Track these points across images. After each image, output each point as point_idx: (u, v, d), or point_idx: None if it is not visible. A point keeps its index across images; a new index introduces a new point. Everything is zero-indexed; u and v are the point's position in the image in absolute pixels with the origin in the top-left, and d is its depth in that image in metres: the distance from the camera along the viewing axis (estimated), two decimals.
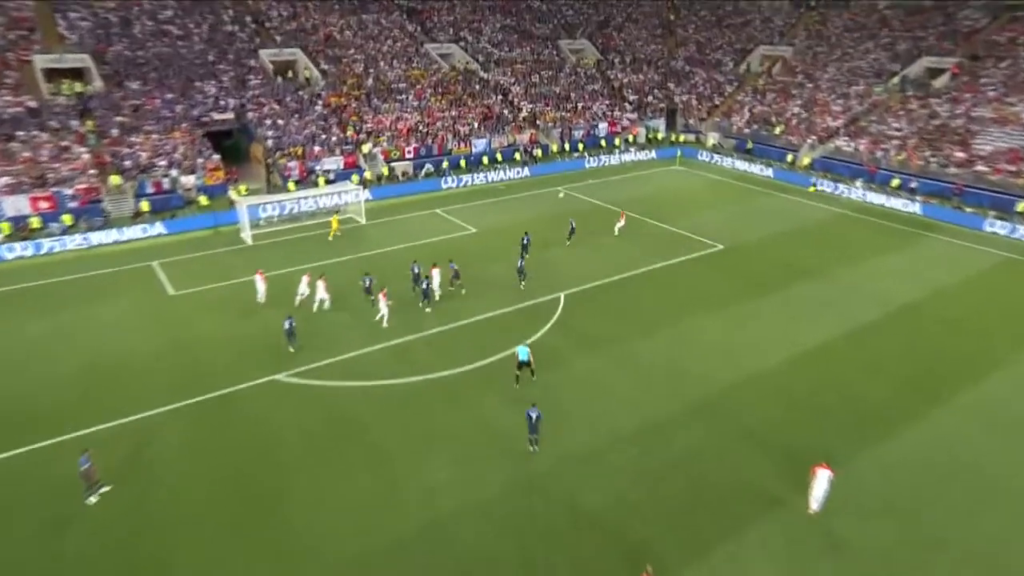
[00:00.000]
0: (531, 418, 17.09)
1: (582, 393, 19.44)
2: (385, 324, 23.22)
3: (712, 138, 59.67)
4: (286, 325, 21.75)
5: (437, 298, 25.21)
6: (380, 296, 23.45)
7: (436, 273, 25.49)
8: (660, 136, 61.39)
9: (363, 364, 20.91)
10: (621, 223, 36.92)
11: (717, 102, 66.95)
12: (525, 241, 30.61)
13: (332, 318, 24.03)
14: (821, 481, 15.46)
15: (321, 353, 21.50)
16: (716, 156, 53.54)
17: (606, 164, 52.04)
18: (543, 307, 25.30)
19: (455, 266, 26.67)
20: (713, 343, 22.51)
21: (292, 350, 21.47)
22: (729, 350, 22.06)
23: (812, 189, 45.93)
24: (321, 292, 24.27)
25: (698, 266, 29.66)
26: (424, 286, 24.71)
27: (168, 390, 19.19)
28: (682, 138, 60.18)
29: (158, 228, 33.76)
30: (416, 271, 26.13)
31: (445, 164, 47.41)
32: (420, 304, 24.72)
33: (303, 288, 24.72)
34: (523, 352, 19.82)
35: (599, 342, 22.47)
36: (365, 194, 38.66)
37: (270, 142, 44.21)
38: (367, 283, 25.44)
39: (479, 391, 19.48)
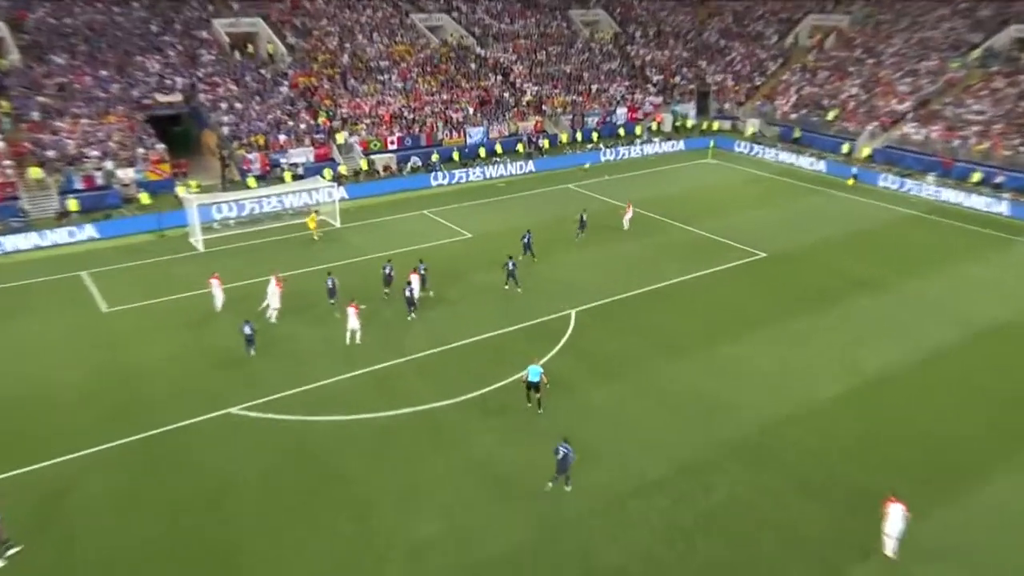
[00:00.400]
0: (559, 454, 16.95)
1: (599, 429, 19.22)
2: (357, 341, 23.37)
3: (752, 125, 60.10)
4: (246, 331, 22.57)
5: (272, 312, 25.44)
6: (350, 308, 23.53)
7: (416, 279, 26.14)
8: (690, 124, 61.84)
9: (336, 393, 20.76)
10: (628, 215, 37.90)
11: (758, 83, 67.55)
12: (526, 240, 31.08)
13: (300, 337, 24.02)
14: (895, 518, 15.18)
15: (285, 380, 21.34)
16: (756, 147, 53.89)
17: (625, 157, 52.35)
18: (551, 326, 25.24)
19: (424, 268, 26.89)
20: (755, 370, 22.37)
21: (252, 353, 22.62)
22: (775, 378, 21.91)
23: (850, 182, 46.53)
24: (272, 297, 24.65)
25: (736, 277, 29.74)
26: (407, 293, 25.33)
27: (97, 427, 18.89)
28: (716, 126, 60.65)
29: (88, 232, 33.79)
30: (388, 272, 26.66)
31: (435, 157, 47.68)
32: (409, 318, 25.30)
33: (273, 299, 25.15)
34: (534, 372, 19.95)
35: (619, 368, 22.36)
36: (340, 192, 38.83)
37: (226, 130, 44.51)
38: (330, 284, 26.04)
39: (475, 426, 19.29)
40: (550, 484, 17.10)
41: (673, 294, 28.06)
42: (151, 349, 23.14)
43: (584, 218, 35.38)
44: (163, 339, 23.88)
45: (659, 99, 64.05)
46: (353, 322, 23.44)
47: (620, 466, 17.88)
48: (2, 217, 34.42)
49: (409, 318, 25.11)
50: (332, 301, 26.06)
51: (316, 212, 34.75)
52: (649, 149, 53.80)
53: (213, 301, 25.68)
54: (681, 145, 55.40)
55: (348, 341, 23.40)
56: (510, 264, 28.01)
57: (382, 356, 22.97)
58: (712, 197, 42.41)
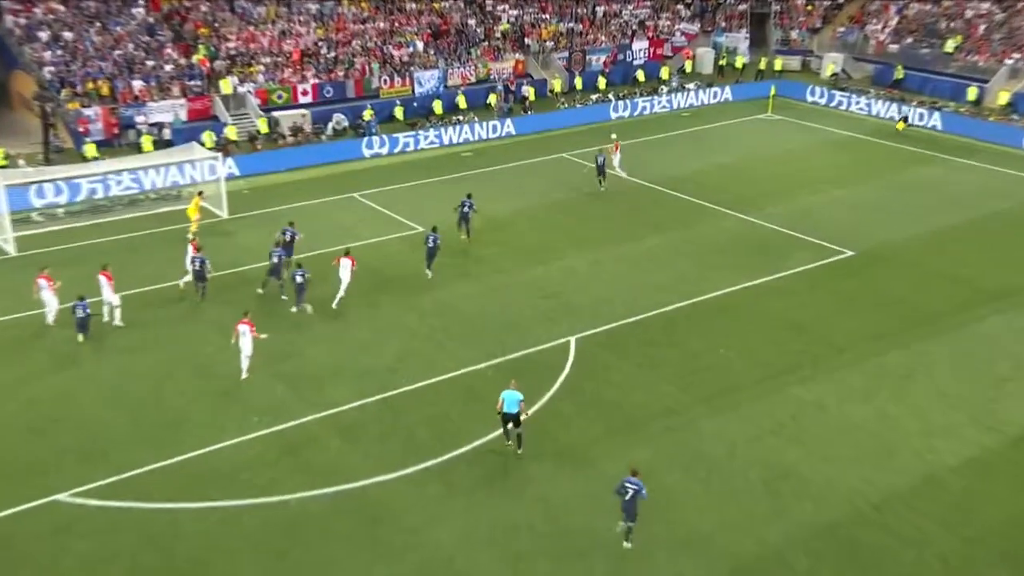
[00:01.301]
0: (626, 493, 17.89)
1: (615, 517, 19.28)
2: (244, 375, 24.03)
3: (832, 63, 61.20)
4: (79, 312, 25.53)
5: (338, 298, 28.10)
6: (242, 327, 23.85)
7: (346, 264, 28.23)
8: (740, 62, 62.78)
9: (221, 467, 20.54)
10: (618, 155, 41.03)
11: (840, 0, 69.10)
12: (465, 210, 33.11)
13: (167, 379, 23.96)
14: None
15: (143, 445, 21.13)
16: (839, 94, 54.83)
17: (646, 112, 53.06)
18: (542, 359, 25.37)
19: (303, 274, 27.92)
20: (844, 423, 22.46)
21: (81, 339, 25.42)
22: (875, 436, 21.97)
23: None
24: (107, 292, 26.50)
25: (811, 286, 30.14)
26: (299, 278, 27.65)
27: None
28: (779, 65, 61.59)
29: None
30: (277, 260, 28.66)
31: (368, 115, 47.76)
32: (294, 309, 27.72)
33: (109, 296, 26.67)
34: (512, 400, 20.70)
35: (640, 423, 22.37)
36: (227, 167, 38.67)
37: (49, 72, 44.20)
38: (198, 265, 28.42)
39: (432, 512, 19.13)
40: (621, 532, 18.28)
41: (718, 312, 28.35)
42: None
43: (602, 163, 38.73)
44: None
45: (695, 27, 65.05)
46: (247, 346, 23.83)
47: (650, 570, 17.88)
48: None
49: (294, 308, 27.73)
50: (195, 284, 28.62)
51: (201, 195, 34.58)
52: (681, 100, 54.49)
53: (44, 314, 26.26)
54: (727, 94, 56.23)
55: (245, 375, 24.07)
56: (430, 240, 30.10)
57: (288, 407, 22.79)
58: (773, 170, 42.98)
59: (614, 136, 42.83)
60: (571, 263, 31.94)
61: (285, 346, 25.66)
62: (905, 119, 49.77)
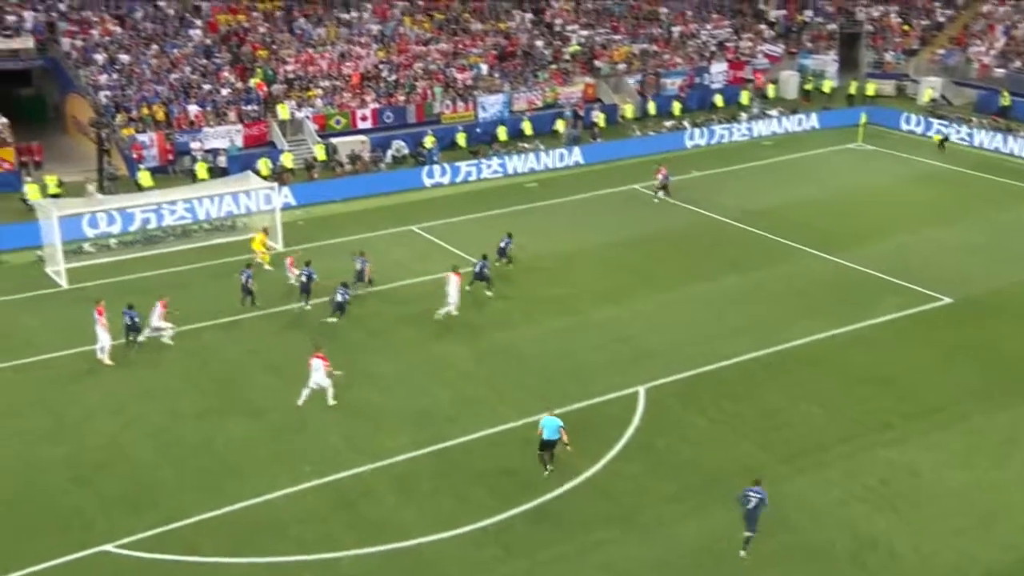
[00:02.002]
0: (749, 503, 19.51)
1: None
2: (330, 401, 25.18)
3: (930, 88, 60.43)
4: (127, 320, 28.01)
5: (454, 313, 30.34)
6: (316, 361, 24.99)
7: (454, 280, 30.32)
8: (828, 87, 62.41)
9: (273, 517, 20.97)
10: (660, 178, 42.77)
11: (940, 19, 68.31)
12: (504, 244, 34.48)
13: (222, 422, 24.65)
14: None
15: (192, 494, 21.67)
16: (937, 123, 54.11)
17: (725, 141, 53.01)
18: (607, 411, 25.43)
19: (364, 261, 31.96)
20: (940, 490, 22.16)
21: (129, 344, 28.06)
22: (975, 506, 21.64)
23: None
24: (155, 317, 28.27)
25: (901, 338, 29.87)
26: (340, 297, 30.03)
27: None
28: (871, 89, 61.11)
29: None
30: (341, 298, 30.31)
31: (429, 141, 48.58)
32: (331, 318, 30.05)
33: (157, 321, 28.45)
34: (551, 427, 21.90)
35: (717, 481, 22.18)
36: (282, 196, 39.67)
37: (104, 96, 45.98)
38: (245, 279, 30.77)
39: (485, 571, 19.42)
40: (743, 552, 19.70)
41: (800, 362, 28.16)
42: None
43: (665, 177, 41.60)
44: (4, 435, 24.27)
45: (779, 48, 64.91)
46: (321, 377, 24.94)
47: None
48: None
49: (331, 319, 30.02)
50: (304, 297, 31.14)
51: (266, 231, 35.57)
52: (762, 128, 54.35)
53: (97, 350, 27.10)
54: (813, 121, 55.90)
55: (301, 401, 25.08)
56: (478, 267, 32.24)
57: (342, 455, 23.18)
58: (863, 205, 42.56)
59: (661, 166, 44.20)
60: (641, 304, 32.05)
61: (341, 389, 26.14)
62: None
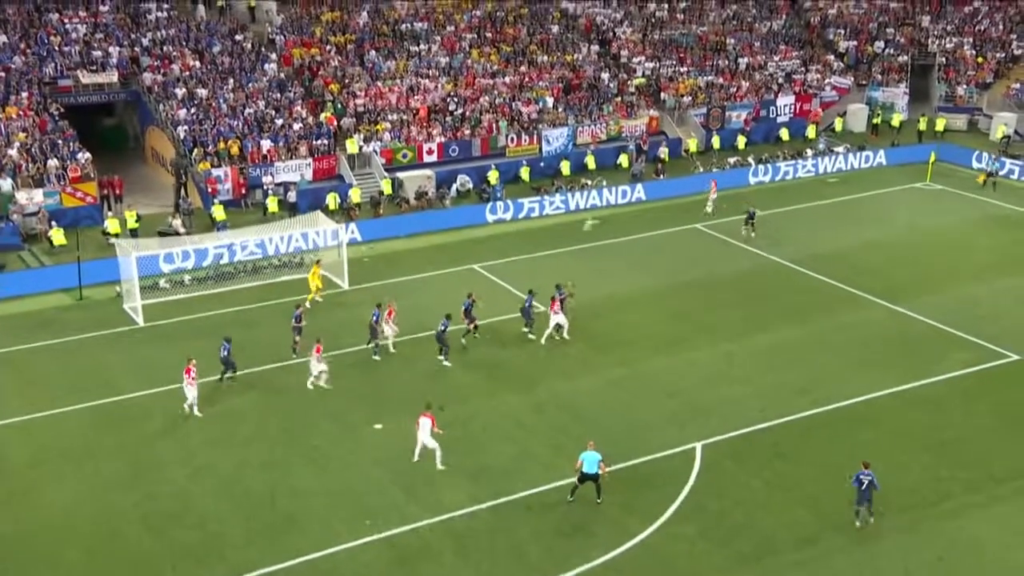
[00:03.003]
0: (862, 484, 22.57)
1: None
2: (439, 465, 25.17)
3: (1003, 125, 59.27)
4: (223, 352, 29.23)
5: (547, 333, 32.12)
6: (424, 420, 25.07)
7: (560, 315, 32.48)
8: (899, 121, 61.59)
9: (333, 573, 21.47)
10: (713, 195, 45.39)
11: (1017, 51, 66.91)
12: (466, 305, 32.68)
13: (290, 471, 25.14)
14: None
15: (255, 549, 22.18)
16: (1009, 162, 53.08)
17: (789, 178, 52.64)
18: (664, 467, 25.57)
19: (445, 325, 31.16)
20: (1003, 569, 21.83)
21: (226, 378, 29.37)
22: None
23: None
24: (189, 390, 27.72)
25: (965, 396, 29.42)
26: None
27: None
28: (941, 124, 60.19)
29: None
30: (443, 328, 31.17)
31: (493, 176, 49.10)
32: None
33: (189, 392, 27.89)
34: (591, 461, 23.13)
35: (771, 550, 22.25)
36: (349, 233, 40.32)
37: (183, 131, 47.32)
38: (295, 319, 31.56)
39: None
40: (858, 523, 22.80)
41: (859, 422, 27.94)
42: (61, 494, 24.28)
43: (752, 212, 42.42)
44: (79, 477, 24.99)
45: (848, 80, 64.32)
46: (427, 436, 25.06)
47: None
48: None
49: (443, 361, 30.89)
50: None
51: (319, 263, 36.49)
52: (828, 164, 53.90)
53: (185, 407, 27.70)
54: (881, 158, 55.31)
55: (416, 457, 25.45)
56: (527, 302, 33.08)
57: (401, 509, 23.58)
58: (930, 250, 42.07)
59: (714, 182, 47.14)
60: (699, 355, 32.06)
61: (400, 439, 26.65)
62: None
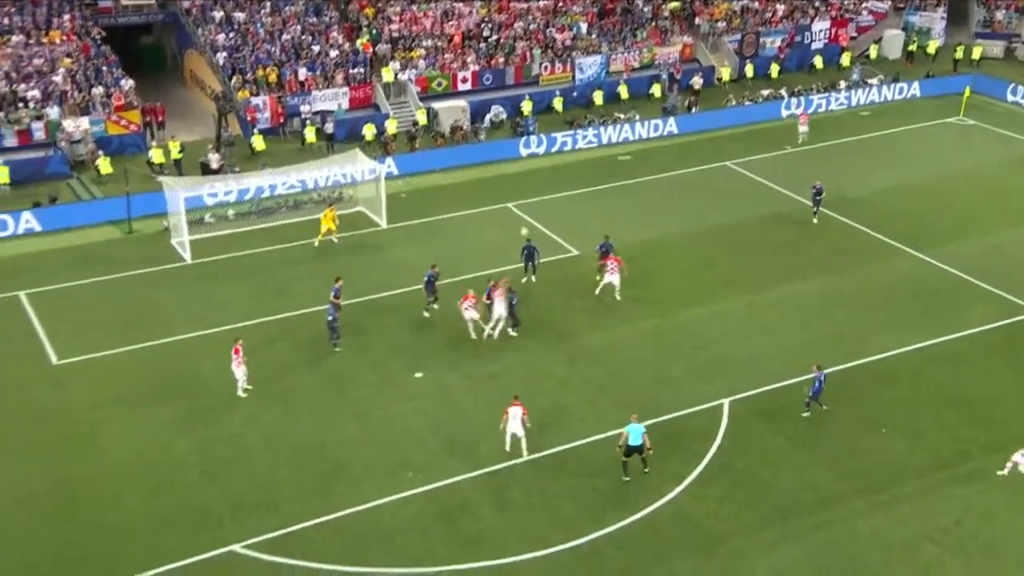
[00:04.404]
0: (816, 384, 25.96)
1: None
2: (524, 454, 24.53)
3: None
4: (329, 316, 28.88)
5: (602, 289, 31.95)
6: (514, 409, 24.30)
7: (613, 266, 31.80)
8: (935, 47, 60.34)
9: (379, 525, 22.35)
10: (804, 128, 45.14)
11: None
12: (527, 251, 33.09)
13: (336, 428, 25.88)
14: None
15: (307, 498, 23.16)
16: None
17: (822, 111, 51.90)
18: (693, 423, 26.22)
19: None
20: (1017, 536, 22.33)
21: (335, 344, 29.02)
22: None
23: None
24: (238, 370, 26.88)
25: (989, 352, 29.63)
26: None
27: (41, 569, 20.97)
28: (977, 52, 58.91)
29: (27, 221, 37.04)
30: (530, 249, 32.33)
31: (527, 106, 48.77)
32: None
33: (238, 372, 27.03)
34: (636, 433, 23.40)
35: (793, 511, 22.88)
36: (386, 166, 40.39)
37: (222, 58, 47.22)
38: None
39: None
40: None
41: (881, 379, 28.28)
42: (121, 438, 25.29)
43: (821, 190, 38.13)
44: (138, 420, 25.92)
45: (885, 4, 62.82)
46: (518, 426, 24.29)
47: None
48: None
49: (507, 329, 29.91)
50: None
51: (332, 207, 36.59)
52: (861, 97, 53.16)
53: (235, 384, 27.06)
54: (915, 90, 54.38)
55: (508, 448, 24.75)
56: (527, 249, 32.76)
57: (442, 463, 24.42)
58: (959, 193, 41.66)
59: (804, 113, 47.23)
60: (726, 305, 32.30)
61: (439, 389, 27.54)
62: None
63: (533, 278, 33.28)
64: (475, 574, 21.33)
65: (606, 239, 32.98)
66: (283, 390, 27.66)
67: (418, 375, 28.21)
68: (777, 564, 21.64)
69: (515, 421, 24.27)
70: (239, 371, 26.80)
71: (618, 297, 32.08)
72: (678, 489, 23.80)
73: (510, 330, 30.11)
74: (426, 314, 31.12)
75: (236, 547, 21.85)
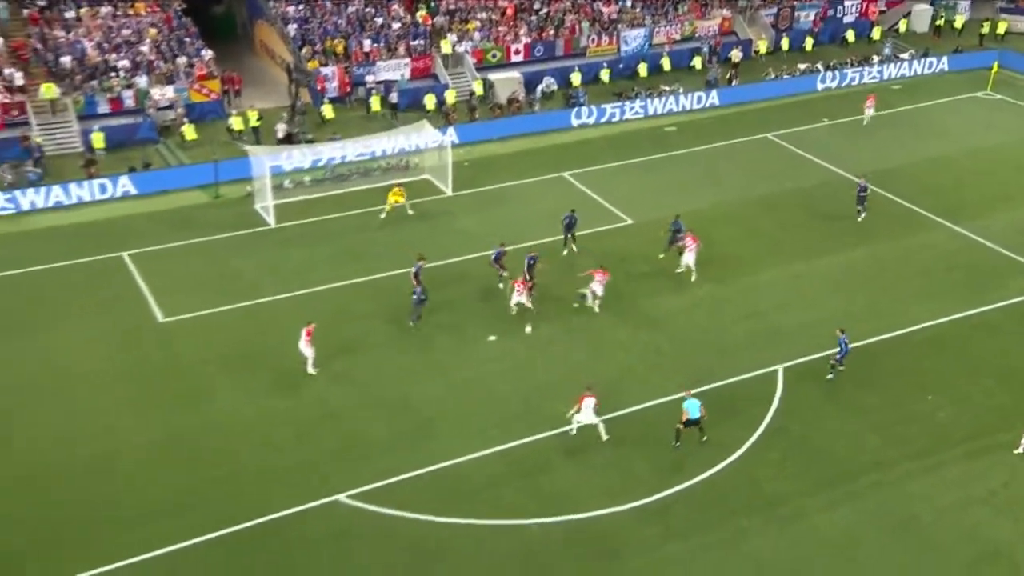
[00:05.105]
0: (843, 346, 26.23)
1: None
2: (604, 436, 24.03)
3: None
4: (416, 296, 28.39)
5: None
6: (588, 400, 23.69)
7: (691, 244, 31.05)
8: (962, 21, 59.11)
9: (467, 480, 22.75)
10: (870, 111, 44.12)
11: None
12: (568, 221, 32.47)
13: (416, 386, 26.05)
14: None
15: (398, 453, 23.52)
16: None
17: (855, 84, 51.15)
18: (749, 389, 26.37)
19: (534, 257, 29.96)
20: None
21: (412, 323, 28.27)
22: None
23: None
24: (306, 348, 26.25)
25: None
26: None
27: (169, 517, 21.21)
28: (1002, 27, 57.67)
29: (124, 185, 37.32)
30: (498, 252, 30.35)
31: (575, 77, 48.36)
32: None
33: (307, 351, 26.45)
34: (694, 407, 23.54)
35: (848, 474, 23.12)
36: (449, 136, 40.28)
37: (292, 29, 46.93)
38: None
39: (664, 554, 20.75)
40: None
41: (925, 348, 28.29)
42: (226, 394, 25.68)
43: (866, 187, 35.57)
44: (239, 378, 26.28)
45: None
46: (590, 416, 23.82)
47: None
48: (9, 155, 38.19)
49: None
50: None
51: (400, 187, 36.10)
52: (893, 71, 52.29)
53: (304, 362, 26.52)
54: (944, 64, 53.43)
55: (574, 431, 24.15)
56: (568, 218, 32.33)
57: (522, 422, 24.67)
58: (989, 168, 41.17)
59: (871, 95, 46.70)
60: (773, 275, 32.22)
61: (512, 352, 27.75)
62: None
63: (574, 247, 33.01)
64: (559, 527, 21.73)
65: (676, 219, 32.47)
66: (366, 351, 27.84)
67: (492, 338, 28.38)
68: (836, 523, 21.98)
69: (587, 412, 23.78)
70: (308, 351, 26.25)
71: (693, 278, 31.41)
72: (740, 452, 24.07)
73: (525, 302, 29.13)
74: (500, 285, 30.72)
75: (341, 496, 22.31)
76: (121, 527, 21.35)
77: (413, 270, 29.16)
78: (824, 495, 22.76)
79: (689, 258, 31.20)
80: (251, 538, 21.17)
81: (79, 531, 21.24)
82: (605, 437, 24.13)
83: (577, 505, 22.32)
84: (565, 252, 32.92)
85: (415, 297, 28.66)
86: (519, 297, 28.68)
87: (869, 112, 45.06)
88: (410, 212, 35.68)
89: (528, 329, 28.40)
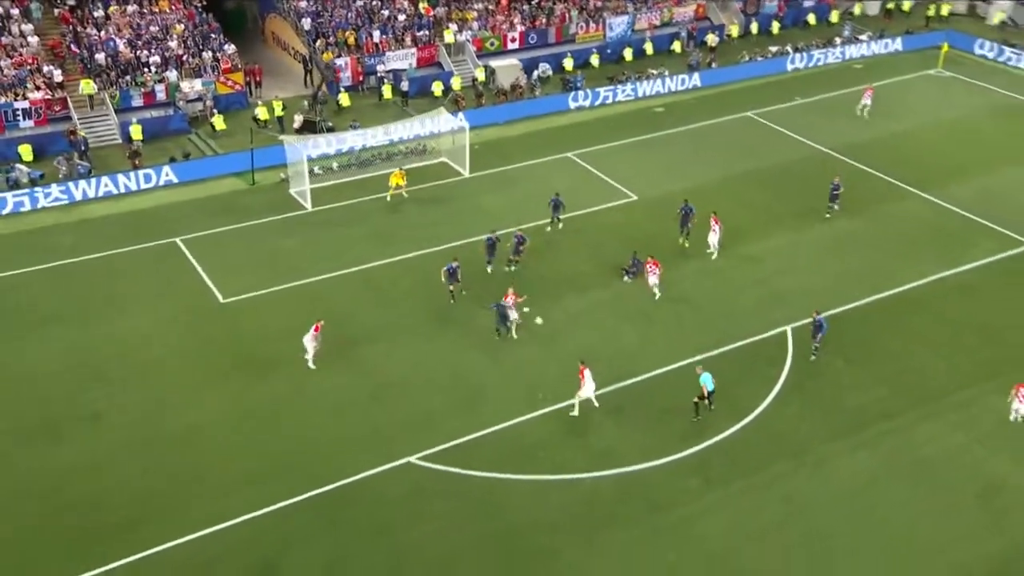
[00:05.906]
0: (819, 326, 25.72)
1: (846, 519, 20.92)
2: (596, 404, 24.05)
3: (1000, 11, 57.06)
4: (451, 265, 27.87)
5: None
6: (589, 372, 23.75)
7: (715, 227, 30.85)
8: (909, 5, 59.48)
9: (522, 440, 22.98)
10: (867, 101, 42.43)
11: None
12: (554, 203, 32.40)
13: (464, 359, 26.00)
14: None
15: (457, 418, 23.65)
16: (1008, 50, 51.68)
17: (820, 64, 51.30)
18: (763, 349, 26.80)
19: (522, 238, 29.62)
20: None
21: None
22: None
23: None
24: (310, 342, 25.44)
25: (995, 282, 30.10)
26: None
27: (253, 485, 21.33)
28: (945, 9, 58.08)
29: (167, 174, 36.64)
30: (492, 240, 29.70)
31: (569, 62, 48.06)
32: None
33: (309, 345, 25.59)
34: (709, 380, 23.55)
35: (862, 423, 23.65)
36: (460, 120, 39.69)
37: (307, 22, 46.01)
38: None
39: (701, 504, 21.09)
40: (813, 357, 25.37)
41: (908, 308, 28.84)
42: (293, 366, 25.46)
43: (839, 186, 34.17)
44: (303, 350, 25.82)
45: None
46: (590, 389, 23.70)
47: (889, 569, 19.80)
48: (55, 149, 37.45)
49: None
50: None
51: (401, 169, 35.70)
52: (853, 52, 52.51)
53: (305, 357, 25.59)
54: (898, 44, 53.77)
55: (575, 412, 23.98)
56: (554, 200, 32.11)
57: (564, 385, 24.58)
58: (946, 140, 41.61)
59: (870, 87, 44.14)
60: (771, 245, 32.44)
61: (546, 325, 27.55)
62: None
63: (560, 226, 32.89)
64: (609, 480, 22.06)
65: (685, 203, 32.05)
66: (413, 327, 27.76)
67: (539, 321, 27.60)
68: (856, 466, 22.62)
69: (591, 384, 23.71)
70: (311, 345, 25.40)
71: (714, 257, 31.26)
72: (762, 407, 24.50)
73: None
74: (509, 268, 30.35)
75: (412, 459, 22.48)
76: (218, 492, 21.45)
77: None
78: (842, 442, 23.35)
79: (713, 239, 31.15)
80: (337, 499, 21.40)
81: (178, 498, 21.31)
82: (596, 405, 24.09)
83: (625, 460, 22.68)
84: (549, 229, 32.85)
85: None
86: (514, 315, 26.99)
87: (867, 103, 43.50)
88: (404, 195, 35.19)
89: (539, 320, 27.55)
